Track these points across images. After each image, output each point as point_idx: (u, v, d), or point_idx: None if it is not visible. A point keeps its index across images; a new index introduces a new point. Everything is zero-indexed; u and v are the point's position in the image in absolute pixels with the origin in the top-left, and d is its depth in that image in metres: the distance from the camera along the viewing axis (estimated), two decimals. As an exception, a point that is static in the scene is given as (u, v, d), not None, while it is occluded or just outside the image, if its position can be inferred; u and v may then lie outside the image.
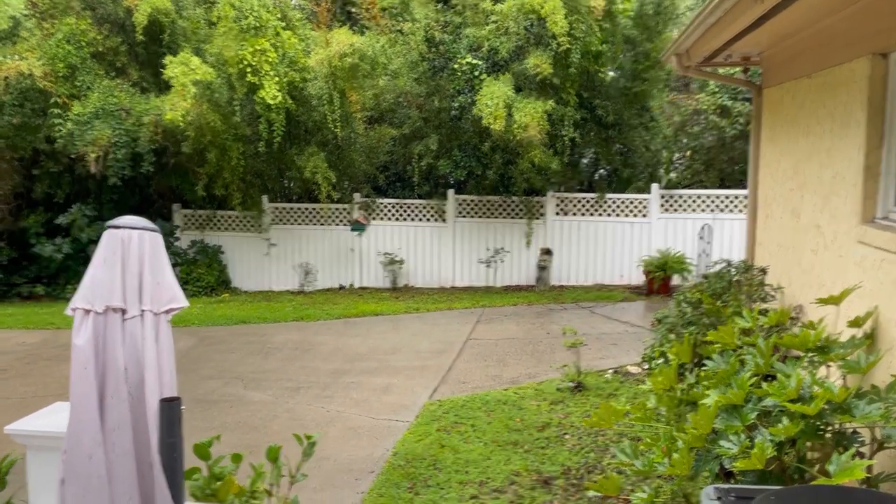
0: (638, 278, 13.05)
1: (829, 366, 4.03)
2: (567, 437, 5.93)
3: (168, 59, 11.55)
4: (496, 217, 13.76)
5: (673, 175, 14.65)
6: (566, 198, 13.59)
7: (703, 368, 4.22)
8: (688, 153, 14.96)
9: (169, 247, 13.43)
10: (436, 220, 13.95)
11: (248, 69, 11.50)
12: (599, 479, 4.09)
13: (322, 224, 14.24)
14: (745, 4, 4.56)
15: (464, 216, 13.86)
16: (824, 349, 3.89)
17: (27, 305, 13.19)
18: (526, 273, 13.61)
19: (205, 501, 2.47)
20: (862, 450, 3.56)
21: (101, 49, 12.64)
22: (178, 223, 14.42)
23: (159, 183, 14.28)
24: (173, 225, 14.30)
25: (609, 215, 13.39)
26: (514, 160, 12.69)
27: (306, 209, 14.30)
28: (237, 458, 2.12)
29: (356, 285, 14.13)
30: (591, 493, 4.66)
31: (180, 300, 2.41)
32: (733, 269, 6.78)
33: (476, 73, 12.04)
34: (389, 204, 14.13)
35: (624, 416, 4.18)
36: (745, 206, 12.11)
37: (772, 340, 4.01)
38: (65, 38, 12.07)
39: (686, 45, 6.52)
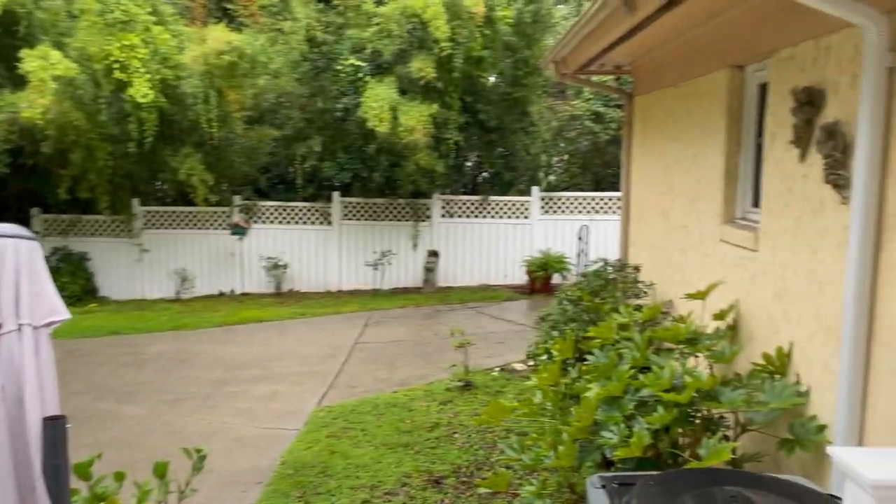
0: (521, 278, 13.44)
1: (697, 356, 4.32)
2: (457, 435, 6.01)
3: (25, 52, 10.67)
4: (382, 219, 13.73)
5: (552, 178, 15.20)
6: (451, 200, 13.78)
7: (585, 363, 4.41)
8: (565, 157, 15.59)
9: (28, 254, 12.39)
10: (321, 223, 13.73)
11: (116, 65, 10.82)
12: (489, 476, 4.18)
13: (199, 228, 13.64)
14: (617, 17, 4.80)
15: (350, 219, 13.72)
16: (693, 341, 4.17)
17: None
18: (413, 275, 13.67)
19: None
20: (727, 434, 3.84)
21: (-54, 40, 11.51)
22: (37, 229, 13.33)
23: (15, 186, 13.15)
24: (32, 231, 13.21)
25: (493, 217, 13.71)
26: (400, 163, 12.71)
27: (182, 213, 13.65)
28: (120, 477, 1.99)
29: (238, 291, 13.65)
30: (481, 490, 4.76)
31: (61, 312, 2.26)
32: (610, 268, 7.12)
33: (360, 75, 11.97)
34: (272, 207, 13.75)
35: (512, 413, 4.29)
36: (619, 208, 12.76)
37: (646, 334, 4.26)
38: None
39: (563, 53, 6.78)
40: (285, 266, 13.48)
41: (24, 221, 13.18)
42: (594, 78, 8.94)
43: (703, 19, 4.92)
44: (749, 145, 4.75)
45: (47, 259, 12.02)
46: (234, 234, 13.46)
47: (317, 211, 13.69)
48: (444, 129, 12.32)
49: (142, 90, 10.91)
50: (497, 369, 7.93)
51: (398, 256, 13.61)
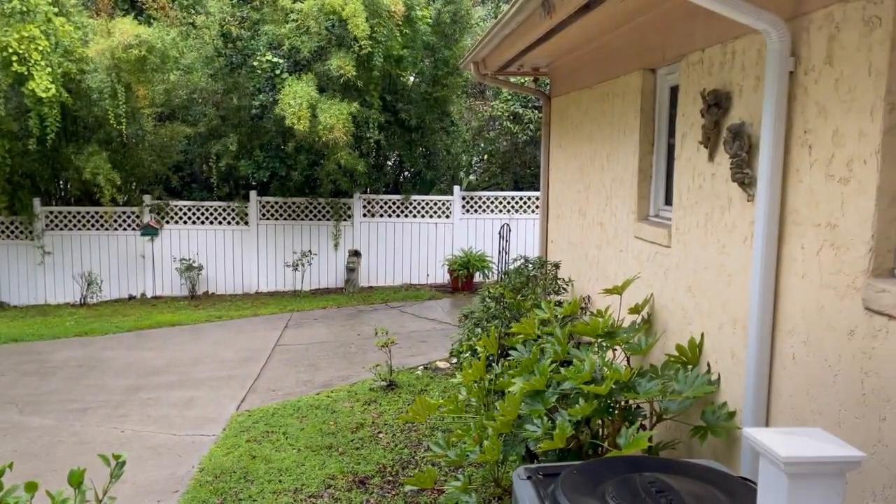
0: (443, 277, 13.52)
1: (615, 349, 4.47)
2: (381, 435, 5.98)
3: (-90, 40, 9.93)
4: (302, 219, 13.50)
5: (473, 178, 15.36)
6: (373, 199, 13.70)
7: (509, 358, 4.48)
8: (485, 157, 15.78)
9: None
10: (237, 222, 13.37)
11: (14, 57, 10.22)
12: (415, 473, 4.18)
13: (107, 229, 13.02)
14: (535, 19, 4.91)
15: (268, 218, 13.43)
16: (611, 334, 4.31)
17: None
18: (335, 275, 13.51)
19: None
20: (644, 423, 3.99)
21: None
22: (-75, 231, 12.44)
23: None
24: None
25: (415, 216, 13.72)
26: (320, 161, 12.54)
27: (87, 213, 12.99)
28: (32, 487, 1.86)
29: (149, 294, 13.12)
30: (407, 488, 4.76)
31: None
32: (530, 266, 7.27)
33: (277, 72, 11.74)
34: (185, 206, 13.28)
35: (437, 410, 4.31)
36: (538, 207, 13.05)
37: (567, 329, 4.36)
38: None
39: (483, 53, 6.87)
40: (200, 268, 13.05)
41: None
42: (513, 79, 9.09)
43: (617, 23, 5.08)
44: (661, 145, 4.94)
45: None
46: (144, 234, 12.92)
47: (233, 210, 13.32)
48: (365, 127, 12.25)
49: (43, 84, 10.36)
50: (421, 368, 7.94)
51: (319, 257, 13.43)
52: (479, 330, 6.70)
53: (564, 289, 6.77)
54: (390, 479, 5.14)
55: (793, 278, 3.08)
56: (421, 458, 5.44)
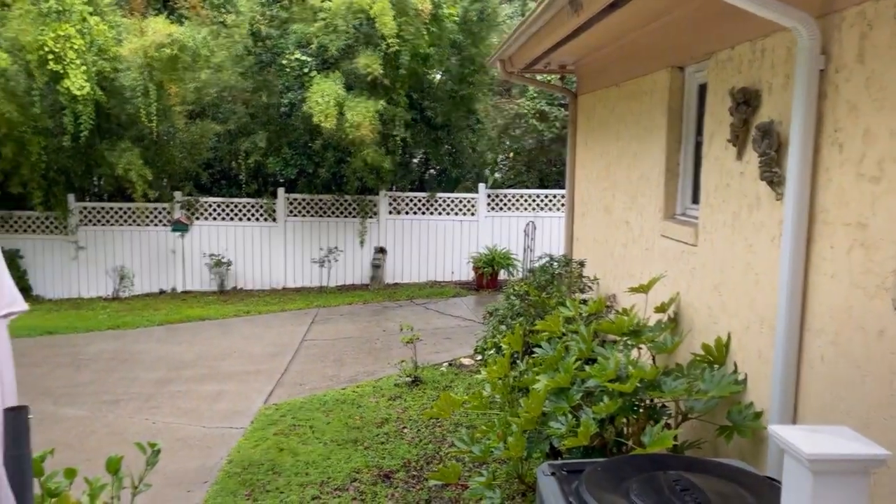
0: (468, 274, 13.54)
1: (640, 348, 4.46)
2: (406, 430, 6.04)
3: (-48, 41, 10.21)
4: (329, 216, 13.62)
5: (498, 175, 15.35)
6: (399, 197, 13.77)
7: (533, 356, 4.50)
8: (511, 155, 15.76)
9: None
10: (265, 219, 13.53)
11: (51, 56, 10.45)
12: (440, 468, 4.22)
13: (139, 225, 13.27)
14: (562, 17, 4.91)
15: (295, 215, 13.57)
16: (636, 333, 4.30)
17: None
18: (360, 272, 13.61)
19: None
20: (669, 422, 3.98)
21: None
22: (-36, 225, 12.77)
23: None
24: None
25: (440, 214, 13.76)
26: (347, 159, 12.64)
27: (120, 209, 13.24)
28: (71, 474, 1.95)
29: (179, 289, 13.34)
30: (431, 483, 4.80)
31: (20, 303, 2.20)
32: (555, 263, 7.26)
33: (306, 70, 11.85)
34: (214, 203, 13.47)
35: (462, 406, 4.35)
36: (563, 205, 13.00)
37: (592, 327, 4.37)
38: None
39: (510, 51, 6.87)
40: (229, 263, 13.24)
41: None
42: (539, 77, 9.08)
43: (645, 21, 5.06)
44: (689, 143, 4.91)
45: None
46: (175, 230, 13.14)
47: (261, 207, 13.48)
48: (391, 125, 12.31)
49: (77, 82, 10.58)
50: (445, 364, 7.98)
51: (345, 253, 13.53)
52: (503, 327, 6.72)
53: (590, 287, 6.76)
54: (415, 473, 5.19)
55: (822, 278, 3.06)
56: (445, 453, 5.48)
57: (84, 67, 10.75)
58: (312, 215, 13.59)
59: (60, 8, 10.53)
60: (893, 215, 2.59)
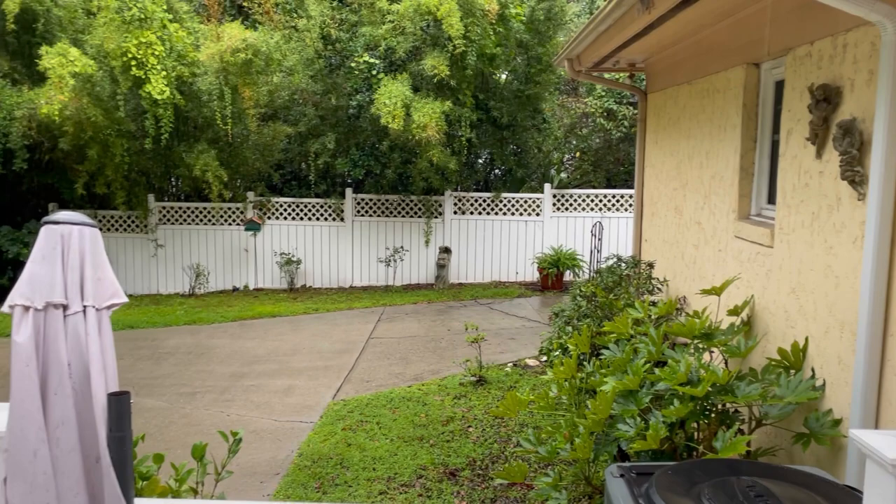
0: (533, 275, 13.49)
1: (712, 351, 4.37)
2: (471, 429, 6.07)
3: (44, 49, 10.81)
4: (395, 216, 13.81)
5: (564, 175, 15.22)
6: (464, 197, 13.83)
7: (600, 357, 4.46)
8: (577, 154, 15.59)
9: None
10: (334, 219, 13.82)
11: (133, 62, 10.95)
12: (505, 467, 4.23)
13: (213, 224, 13.77)
14: (633, 14, 4.84)
15: (362, 215, 13.81)
16: (708, 336, 4.21)
17: None
18: (425, 271, 13.74)
19: (149, 497, 2.40)
20: (742, 427, 3.88)
21: (-35, 37, 11.67)
22: (54, 224, 13.49)
23: (33, 181, 13.33)
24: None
25: (505, 214, 13.75)
26: (413, 159, 12.78)
27: (196, 208, 13.78)
28: (159, 459, 2.08)
29: (251, 287, 13.77)
30: (497, 482, 4.82)
31: (121, 295, 2.40)
32: (623, 265, 7.17)
33: (373, 72, 12.05)
34: (285, 203, 13.86)
35: (528, 406, 4.35)
36: (631, 205, 12.79)
37: (662, 329, 4.30)
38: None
39: (578, 50, 6.82)
40: (298, 262, 13.59)
41: (42, 217, 13.33)
42: (607, 75, 8.96)
43: (718, 17, 4.95)
44: (764, 142, 4.77)
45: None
46: (248, 229, 13.58)
47: (330, 207, 13.78)
48: (457, 126, 12.38)
49: (158, 87, 11.03)
50: (510, 365, 7.98)
51: (410, 253, 13.69)
52: (569, 328, 6.68)
53: (659, 289, 6.64)
54: (480, 472, 5.22)
55: (907, 282, 2.93)
56: (510, 453, 5.49)
57: (164, 73, 11.22)
58: (379, 215, 13.80)
59: (143, 16, 11.02)
60: None
